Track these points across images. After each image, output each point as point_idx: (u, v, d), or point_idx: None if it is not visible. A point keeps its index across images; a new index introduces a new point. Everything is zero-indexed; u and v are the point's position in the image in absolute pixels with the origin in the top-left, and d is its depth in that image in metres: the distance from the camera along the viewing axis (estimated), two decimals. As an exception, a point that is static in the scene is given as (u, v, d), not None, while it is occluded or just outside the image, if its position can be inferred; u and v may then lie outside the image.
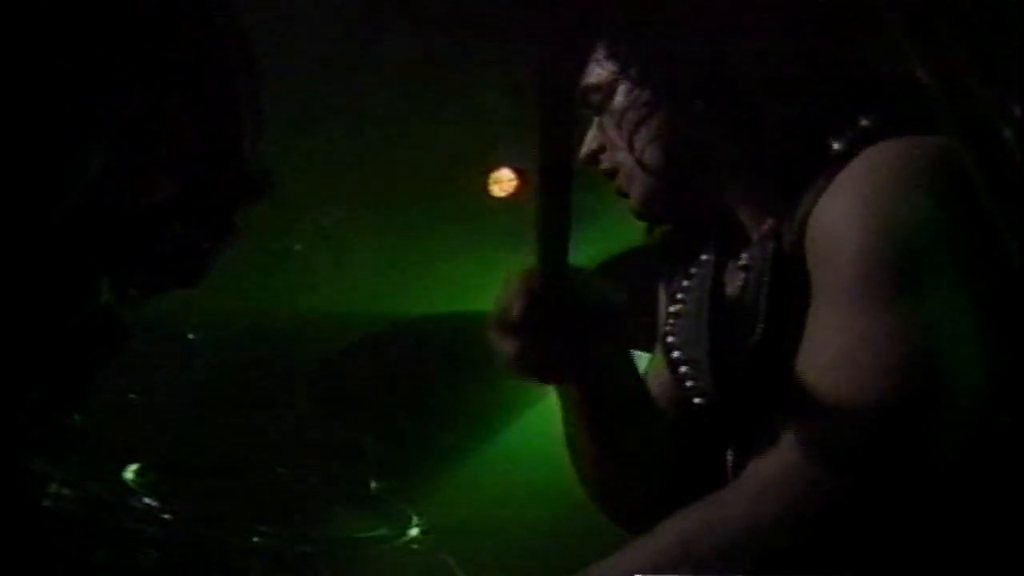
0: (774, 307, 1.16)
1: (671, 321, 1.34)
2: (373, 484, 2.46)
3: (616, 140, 1.30)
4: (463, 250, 2.88)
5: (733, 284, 1.26)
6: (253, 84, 0.90)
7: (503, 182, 2.84)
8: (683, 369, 1.29)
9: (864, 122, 1.17)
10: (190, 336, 2.47)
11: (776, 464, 1.03)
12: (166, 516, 2.07)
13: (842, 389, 1.03)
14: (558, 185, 1.03)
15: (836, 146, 1.17)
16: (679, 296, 1.34)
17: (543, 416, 2.58)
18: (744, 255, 1.25)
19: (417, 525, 2.28)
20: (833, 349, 1.06)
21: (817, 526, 1.00)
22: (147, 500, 2.11)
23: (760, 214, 1.24)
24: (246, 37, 0.91)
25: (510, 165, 2.78)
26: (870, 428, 1.01)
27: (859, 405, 1.02)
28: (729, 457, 1.25)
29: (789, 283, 1.16)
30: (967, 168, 1.03)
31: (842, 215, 1.12)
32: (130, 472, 2.20)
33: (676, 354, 1.30)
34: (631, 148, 1.27)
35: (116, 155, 0.80)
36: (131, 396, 2.32)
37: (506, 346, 1.12)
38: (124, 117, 0.80)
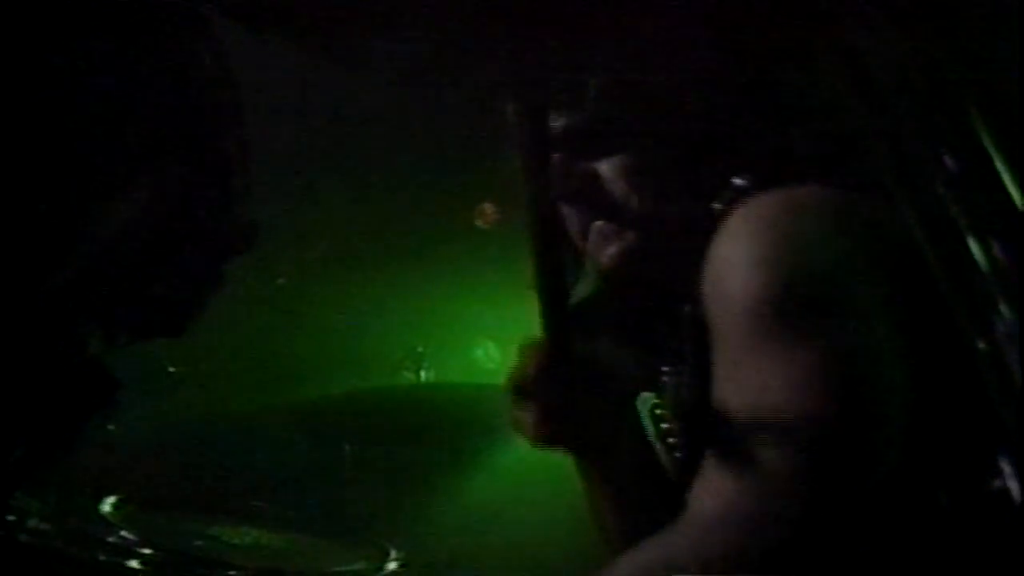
0: (701, 366, 1.20)
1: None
2: (351, 516, 2.45)
3: None
4: (450, 280, 2.90)
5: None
6: (242, 137, 0.92)
7: (487, 214, 2.88)
8: (670, 440, 1.32)
9: (738, 181, 1.22)
10: (171, 369, 2.47)
11: (714, 503, 1.07)
12: (144, 550, 2.06)
13: (764, 425, 1.08)
14: (550, 241, 1.09)
15: (716, 206, 1.22)
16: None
17: (531, 447, 2.59)
18: None
19: (396, 559, 2.27)
20: (748, 391, 1.10)
21: (761, 558, 1.03)
22: (124, 533, 2.09)
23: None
24: (236, 89, 0.92)
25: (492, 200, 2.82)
26: (795, 459, 1.05)
27: (781, 438, 1.06)
28: None
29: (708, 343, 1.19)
30: (837, 208, 1.07)
31: (726, 267, 1.17)
32: (108, 505, 2.18)
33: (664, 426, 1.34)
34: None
35: (109, 211, 0.80)
36: (110, 428, 2.31)
37: (523, 416, 1.18)
38: (117, 176, 0.81)
